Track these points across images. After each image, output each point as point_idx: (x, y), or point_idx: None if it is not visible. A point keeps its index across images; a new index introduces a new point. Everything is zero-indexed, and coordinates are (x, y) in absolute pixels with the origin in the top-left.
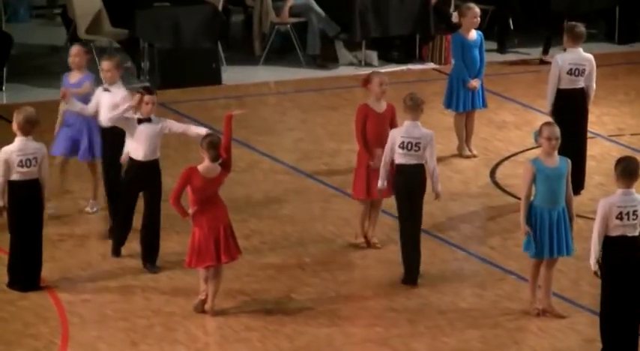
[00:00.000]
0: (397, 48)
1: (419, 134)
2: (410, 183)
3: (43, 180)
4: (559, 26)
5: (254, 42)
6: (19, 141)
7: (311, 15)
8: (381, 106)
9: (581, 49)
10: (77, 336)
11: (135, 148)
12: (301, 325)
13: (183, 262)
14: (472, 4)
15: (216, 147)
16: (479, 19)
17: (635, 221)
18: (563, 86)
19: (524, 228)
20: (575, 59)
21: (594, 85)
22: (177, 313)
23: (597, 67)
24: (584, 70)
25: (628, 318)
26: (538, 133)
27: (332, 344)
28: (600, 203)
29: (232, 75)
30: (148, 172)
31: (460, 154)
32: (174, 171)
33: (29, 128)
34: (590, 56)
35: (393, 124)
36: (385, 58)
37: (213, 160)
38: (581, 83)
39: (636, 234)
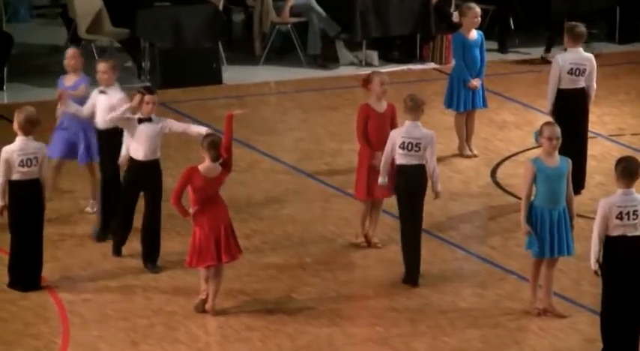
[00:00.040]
0: (398, 48)
1: (419, 135)
2: (411, 183)
3: (43, 180)
4: (559, 26)
5: (255, 42)
6: (19, 141)
7: (312, 15)
8: (382, 106)
9: (581, 49)
10: (78, 336)
11: (135, 147)
12: (302, 324)
13: (183, 262)
14: (473, 4)
15: (217, 147)
16: (479, 18)
17: (636, 221)
18: (563, 86)
19: (525, 228)
20: (576, 59)
21: (595, 85)
22: (178, 312)
23: (598, 66)
24: (585, 69)
25: (629, 318)
26: (539, 133)
27: (333, 344)
28: (600, 203)
29: (233, 75)
30: (148, 172)
31: (461, 154)
32: (174, 171)
33: (30, 128)
34: (590, 56)
35: (393, 124)
36: (386, 58)
37: (214, 159)
38: (581, 83)
39: (637, 234)
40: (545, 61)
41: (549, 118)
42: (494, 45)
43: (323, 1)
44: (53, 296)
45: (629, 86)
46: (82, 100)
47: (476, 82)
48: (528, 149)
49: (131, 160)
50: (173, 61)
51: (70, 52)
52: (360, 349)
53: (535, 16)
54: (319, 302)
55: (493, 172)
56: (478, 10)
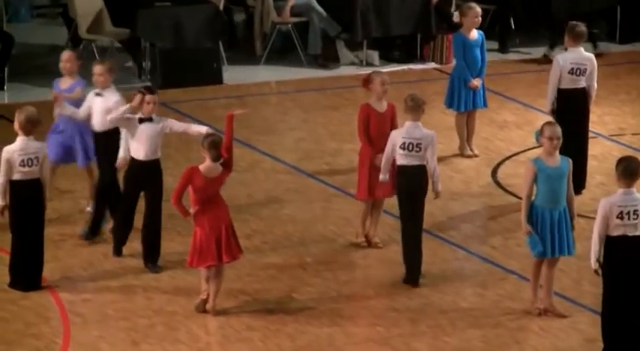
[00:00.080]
0: (398, 48)
1: (420, 135)
2: (412, 184)
3: (44, 179)
4: (560, 26)
5: (255, 42)
6: (20, 140)
7: (312, 15)
8: (383, 106)
9: (582, 49)
10: (78, 336)
11: (136, 147)
12: (303, 324)
13: (184, 262)
14: (473, 4)
15: (218, 147)
16: (480, 18)
17: (636, 221)
18: (564, 86)
19: (525, 227)
20: (577, 59)
21: (595, 85)
22: (179, 312)
23: (599, 66)
24: (586, 69)
25: (629, 318)
26: (539, 133)
27: (333, 344)
28: (601, 203)
29: (233, 75)
30: (149, 172)
31: (461, 154)
32: (175, 171)
33: (31, 128)
34: (591, 56)
35: (393, 125)
36: (386, 58)
37: (215, 159)
38: (582, 83)
39: (637, 234)
40: (548, 60)
41: (550, 118)
42: (495, 45)
43: (323, 0)
44: (54, 296)
45: (630, 86)
46: (77, 103)
47: (476, 82)
48: (529, 149)
49: (132, 159)
50: (174, 61)
51: (66, 55)
52: (360, 349)
53: (536, 16)
54: (320, 302)
55: (494, 172)
56: (479, 9)
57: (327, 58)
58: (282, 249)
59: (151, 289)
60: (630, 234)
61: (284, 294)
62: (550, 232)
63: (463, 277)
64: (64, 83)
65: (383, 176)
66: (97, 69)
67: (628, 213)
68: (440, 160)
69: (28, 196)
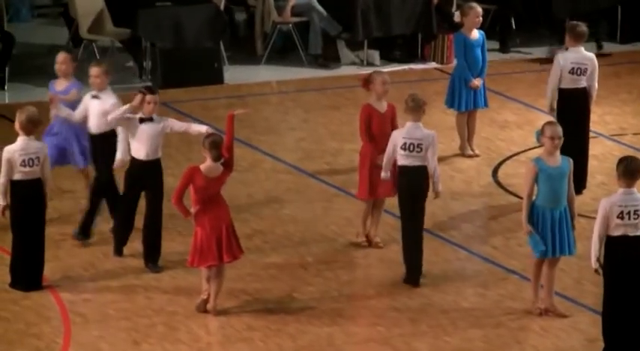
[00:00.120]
0: (399, 47)
1: (421, 135)
2: (413, 185)
3: (45, 179)
4: (561, 26)
5: (256, 41)
6: (21, 140)
7: (313, 14)
8: (383, 106)
9: (582, 49)
10: (79, 335)
11: (137, 147)
12: (303, 324)
13: (185, 262)
14: (474, 4)
15: (219, 146)
16: (481, 18)
17: (637, 221)
18: (565, 86)
19: (526, 227)
20: (577, 58)
21: (596, 85)
22: (180, 312)
23: (599, 66)
24: (586, 69)
25: (630, 317)
26: (540, 133)
27: (334, 343)
28: (601, 202)
29: (234, 74)
30: (149, 172)
31: (462, 154)
32: (176, 170)
33: (31, 128)
34: (592, 55)
35: (393, 124)
36: (387, 58)
37: (216, 159)
38: (583, 83)
39: (638, 233)
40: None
41: (551, 118)
42: (496, 45)
43: (324, 0)
44: (55, 296)
45: (631, 85)
46: (73, 105)
47: (477, 82)
48: (530, 149)
49: (132, 159)
50: (174, 60)
51: (61, 56)
52: (361, 348)
53: (536, 16)
54: (320, 302)
55: (494, 172)
56: (479, 9)
57: (328, 58)
58: (282, 249)
59: (152, 289)
60: (631, 234)
61: (285, 294)
62: (551, 231)
63: (464, 276)
64: (60, 85)
65: (385, 174)
66: (94, 71)
67: (629, 213)
68: (441, 159)
69: (28, 196)
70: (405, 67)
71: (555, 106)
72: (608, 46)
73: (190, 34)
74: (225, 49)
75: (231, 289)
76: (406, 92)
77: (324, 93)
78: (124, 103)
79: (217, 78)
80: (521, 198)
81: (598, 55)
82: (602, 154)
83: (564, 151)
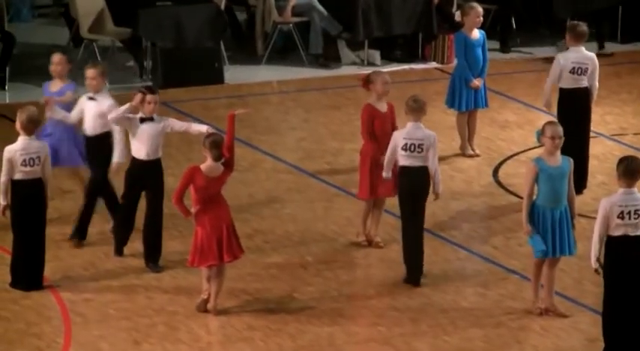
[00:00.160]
0: (400, 47)
1: (422, 136)
2: (414, 185)
3: (46, 179)
4: (561, 25)
5: (256, 41)
6: (22, 140)
7: (313, 14)
8: (384, 106)
9: (583, 48)
10: (79, 335)
11: (137, 147)
12: (304, 324)
13: (185, 262)
14: (475, 4)
15: (219, 146)
16: (482, 18)
17: (637, 220)
18: (566, 85)
19: (526, 227)
20: (578, 58)
21: (597, 84)
22: (180, 312)
23: (600, 66)
24: (587, 68)
25: (630, 317)
26: (541, 132)
27: (334, 343)
28: (602, 202)
29: (235, 74)
30: (150, 172)
31: (463, 153)
32: (176, 170)
33: (32, 128)
34: (592, 55)
35: (393, 124)
36: (388, 58)
37: (216, 159)
38: (584, 82)
39: (638, 233)
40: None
41: (551, 118)
42: (496, 44)
43: (325, 0)
44: (55, 296)
45: (632, 85)
46: (68, 106)
47: (478, 82)
48: (530, 149)
49: (133, 159)
50: (175, 60)
51: (57, 57)
52: (361, 348)
53: (537, 16)
54: (321, 301)
55: (495, 172)
56: (480, 9)
57: (329, 58)
58: (283, 248)
59: (152, 289)
60: (631, 234)
61: (285, 293)
62: (551, 231)
63: (464, 276)
64: (54, 86)
65: (386, 174)
66: (90, 73)
67: (629, 213)
68: (441, 159)
69: (29, 196)
70: (406, 66)
71: (551, 102)
72: (609, 46)
73: (191, 33)
74: (225, 48)
75: (232, 288)
76: (407, 92)
77: (325, 93)
78: (121, 104)
79: (218, 78)
80: (521, 198)
81: (600, 55)
82: (603, 153)
83: (565, 151)
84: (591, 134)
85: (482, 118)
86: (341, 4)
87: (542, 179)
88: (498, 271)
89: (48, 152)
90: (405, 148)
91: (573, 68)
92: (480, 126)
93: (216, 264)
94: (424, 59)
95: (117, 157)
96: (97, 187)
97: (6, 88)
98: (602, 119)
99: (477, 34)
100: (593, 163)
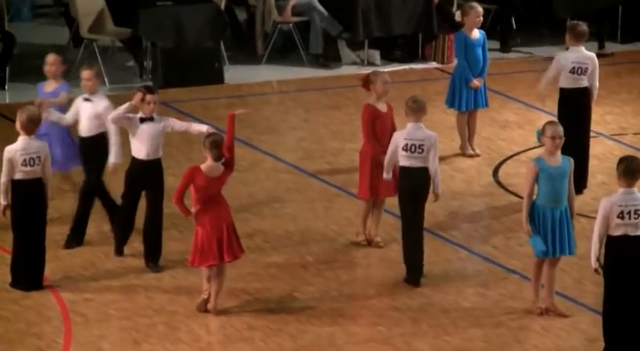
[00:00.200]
0: (400, 47)
1: (422, 136)
2: (414, 186)
3: (46, 179)
4: (561, 25)
5: (256, 41)
6: (22, 140)
7: (313, 14)
8: (384, 106)
9: (583, 48)
10: (80, 335)
11: (137, 147)
12: (304, 324)
13: (186, 261)
14: (475, 4)
15: (219, 146)
16: (482, 18)
17: (637, 220)
18: (566, 85)
19: (526, 227)
20: (578, 58)
21: (597, 84)
22: (180, 312)
23: (600, 66)
24: (587, 68)
25: (631, 317)
26: (541, 132)
27: (334, 343)
28: (602, 202)
29: (235, 74)
30: (150, 172)
31: (463, 153)
32: (176, 170)
33: (32, 127)
34: (592, 55)
35: (392, 124)
36: (388, 58)
37: (216, 159)
38: (584, 82)
39: (638, 233)
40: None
41: (552, 118)
42: (496, 44)
43: (325, 0)
44: (55, 296)
45: (632, 85)
46: (62, 108)
47: (478, 82)
48: (530, 149)
49: (133, 159)
50: (175, 60)
51: (51, 58)
52: (361, 348)
53: (537, 16)
54: (321, 301)
55: (495, 172)
56: (480, 9)
57: (329, 58)
58: (283, 248)
59: (153, 289)
60: (631, 234)
61: (285, 293)
62: (551, 231)
63: (464, 276)
64: (49, 87)
65: (387, 175)
66: (85, 74)
67: (629, 212)
68: (441, 159)
69: (29, 196)
70: (406, 66)
71: (544, 94)
72: (609, 46)
73: (191, 33)
74: (225, 48)
75: (232, 288)
76: (407, 92)
77: (325, 93)
78: (116, 105)
79: (218, 78)
80: (521, 198)
81: (600, 55)
82: (603, 153)
83: (565, 151)
84: (591, 134)
85: (483, 118)
86: (341, 4)
87: (542, 179)
88: (498, 271)
89: (48, 152)
90: (405, 148)
91: (573, 68)
92: (480, 126)
93: (216, 264)
94: (424, 59)
95: (113, 157)
96: (91, 190)
97: (6, 88)
98: (602, 119)
99: (477, 33)
100: (593, 163)
